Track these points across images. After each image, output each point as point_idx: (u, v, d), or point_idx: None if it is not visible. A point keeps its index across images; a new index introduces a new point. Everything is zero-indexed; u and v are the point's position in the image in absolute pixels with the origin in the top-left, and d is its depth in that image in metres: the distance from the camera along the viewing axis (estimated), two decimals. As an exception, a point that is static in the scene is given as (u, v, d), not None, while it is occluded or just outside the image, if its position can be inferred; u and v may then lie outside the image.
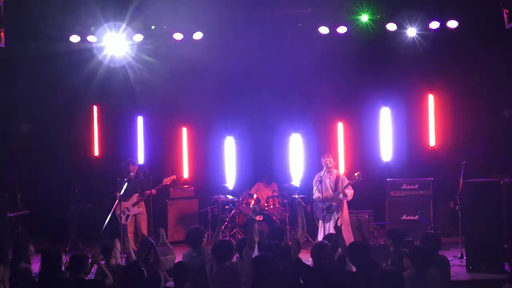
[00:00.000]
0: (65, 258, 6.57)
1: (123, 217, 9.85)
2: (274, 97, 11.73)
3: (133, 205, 9.96)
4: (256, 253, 6.28)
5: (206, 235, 6.93)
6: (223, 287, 5.90)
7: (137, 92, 11.96)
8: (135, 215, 10.08)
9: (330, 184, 9.41)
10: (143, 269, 5.79)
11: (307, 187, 10.62)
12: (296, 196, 10.44)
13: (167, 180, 10.15)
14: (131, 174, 9.90)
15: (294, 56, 11.12)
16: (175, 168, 11.98)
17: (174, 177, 10.38)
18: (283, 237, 6.91)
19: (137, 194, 10.03)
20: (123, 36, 10.93)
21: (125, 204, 9.87)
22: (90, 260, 6.25)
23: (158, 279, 6.07)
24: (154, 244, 6.58)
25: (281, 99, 11.78)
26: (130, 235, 9.87)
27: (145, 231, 10.11)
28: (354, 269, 5.89)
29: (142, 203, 10.18)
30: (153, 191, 10.11)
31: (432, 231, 9.54)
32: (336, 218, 6.41)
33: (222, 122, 12.23)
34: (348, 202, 10.77)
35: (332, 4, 10.48)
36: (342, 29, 10.68)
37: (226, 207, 10.96)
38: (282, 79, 11.68)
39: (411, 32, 10.80)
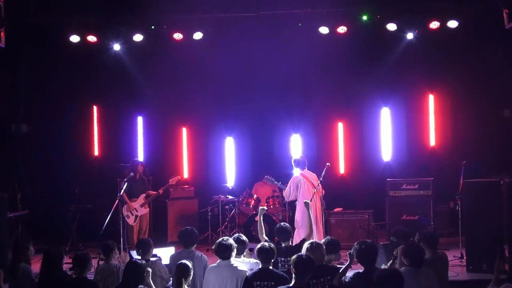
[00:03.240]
0: (65, 258, 6.56)
1: (132, 217, 9.83)
2: (274, 97, 11.75)
3: (141, 205, 9.95)
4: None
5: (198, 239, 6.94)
6: (226, 286, 5.89)
7: (137, 92, 11.97)
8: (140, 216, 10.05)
9: None
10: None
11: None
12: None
13: (172, 180, 10.12)
14: (131, 174, 9.87)
15: (294, 56, 11.13)
16: (175, 168, 11.98)
17: (179, 177, 10.36)
18: (290, 237, 6.93)
19: (144, 195, 10.02)
20: (123, 36, 10.93)
21: (133, 204, 9.85)
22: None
23: None
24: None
25: (281, 99, 11.79)
26: (135, 236, 9.84)
27: (147, 232, 10.09)
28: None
29: (147, 204, 10.17)
30: (160, 191, 10.09)
31: (432, 231, 9.54)
32: None
33: (222, 122, 12.25)
34: (349, 202, 10.82)
35: (332, 4, 10.48)
36: (342, 29, 10.68)
37: (226, 207, 10.97)
38: (282, 79, 11.69)
39: (411, 32, 10.81)
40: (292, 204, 10.63)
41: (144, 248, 6.72)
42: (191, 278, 5.73)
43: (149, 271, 5.81)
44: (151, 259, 6.64)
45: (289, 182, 9.30)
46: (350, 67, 11.42)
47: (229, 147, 12.43)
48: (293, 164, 9.49)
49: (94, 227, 9.67)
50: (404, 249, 5.90)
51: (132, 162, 10.26)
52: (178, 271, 5.66)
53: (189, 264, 5.73)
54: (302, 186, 9.17)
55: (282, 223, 7.00)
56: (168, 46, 11.13)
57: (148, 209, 10.12)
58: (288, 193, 9.28)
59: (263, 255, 5.78)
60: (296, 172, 9.41)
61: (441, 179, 10.61)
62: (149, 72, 11.68)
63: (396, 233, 6.98)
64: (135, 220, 9.86)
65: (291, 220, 10.66)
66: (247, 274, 5.87)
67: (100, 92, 12.01)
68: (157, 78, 11.76)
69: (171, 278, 6.46)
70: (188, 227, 7.01)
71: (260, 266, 5.85)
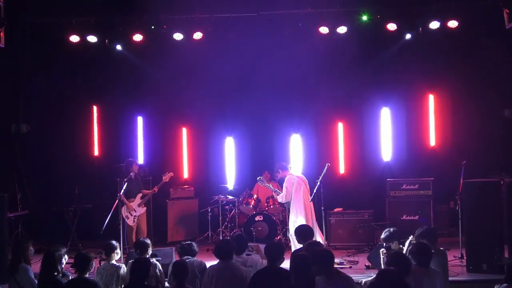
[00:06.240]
0: (65, 258, 6.56)
1: (131, 218, 9.81)
2: (274, 97, 11.73)
3: (139, 205, 9.95)
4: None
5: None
6: (227, 285, 5.89)
7: (137, 92, 11.97)
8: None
9: None
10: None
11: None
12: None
13: (166, 177, 10.12)
14: (131, 174, 9.86)
15: (294, 56, 11.12)
16: (175, 168, 11.97)
17: (172, 174, 10.33)
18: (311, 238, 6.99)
19: (140, 194, 10.03)
20: (123, 36, 10.92)
21: (131, 205, 9.85)
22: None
23: None
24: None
25: (281, 99, 11.78)
26: (134, 236, 9.83)
27: (145, 232, 10.07)
28: None
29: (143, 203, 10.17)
30: (155, 189, 10.10)
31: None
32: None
33: (222, 122, 12.25)
34: (349, 202, 10.81)
35: (332, 4, 10.48)
36: (342, 29, 10.68)
37: (226, 207, 10.97)
38: (282, 79, 11.69)
39: (411, 32, 10.79)
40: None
41: (142, 248, 6.74)
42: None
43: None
44: (152, 260, 6.65)
45: (285, 184, 9.33)
46: (350, 67, 11.43)
47: (229, 147, 12.43)
48: (280, 169, 9.60)
49: (94, 227, 9.65)
50: (411, 249, 5.90)
51: (127, 162, 10.23)
52: (175, 271, 5.68)
53: (186, 263, 5.78)
54: (297, 186, 9.22)
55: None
56: (168, 46, 11.11)
57: (145, 208, 10.12)
58: (287, 194, 9.26)
59: (271, 253, 5.78)
60: (286, 174, 9.49)
61: (441, 179, 10.60)
62: (149, 72, 11.69)
63: (386, 239, 6.96)
64: (134, 221, 9.86)
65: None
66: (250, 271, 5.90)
67: (100, 92, 12.02)
68: (157, 78, 11.78)
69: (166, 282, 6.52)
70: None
71: (268, 265, 5.83)
